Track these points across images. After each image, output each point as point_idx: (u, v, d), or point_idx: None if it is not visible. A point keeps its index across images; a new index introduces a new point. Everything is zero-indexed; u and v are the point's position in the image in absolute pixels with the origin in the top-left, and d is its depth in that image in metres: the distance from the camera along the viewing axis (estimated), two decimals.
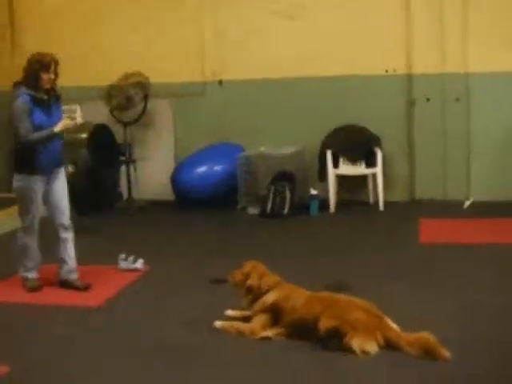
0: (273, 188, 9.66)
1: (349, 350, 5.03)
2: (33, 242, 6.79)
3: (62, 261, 6.82)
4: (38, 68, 6.39)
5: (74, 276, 6.84)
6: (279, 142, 10.12)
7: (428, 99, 10.06)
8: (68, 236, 6.79)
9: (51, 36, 10.91)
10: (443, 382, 4.68)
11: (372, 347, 5.04)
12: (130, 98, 10.19)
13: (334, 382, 4.80)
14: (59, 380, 4.97)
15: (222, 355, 5.26)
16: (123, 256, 7.32)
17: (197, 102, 10.67)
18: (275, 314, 5.48)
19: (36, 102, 6.43)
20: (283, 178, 9.76)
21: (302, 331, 5.32)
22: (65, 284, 6.84)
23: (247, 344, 5.39)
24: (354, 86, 10.17)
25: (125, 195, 10.38)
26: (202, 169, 10.09)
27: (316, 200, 9.73)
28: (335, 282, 5.89)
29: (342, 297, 5.41)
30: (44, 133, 6.40)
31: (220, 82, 10.63)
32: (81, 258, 6.92)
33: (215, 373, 4.98)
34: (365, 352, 5.01)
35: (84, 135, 9.85)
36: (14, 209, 9.51)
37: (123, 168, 10.54)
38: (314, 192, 9.77)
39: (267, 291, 5.58)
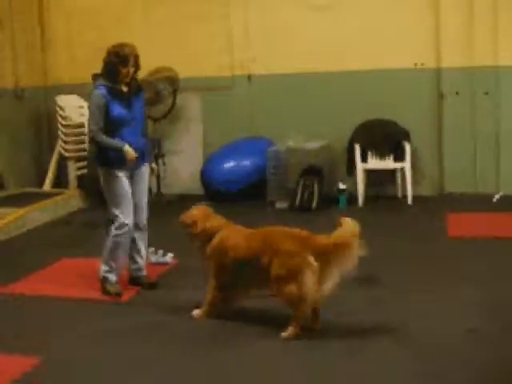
0: (301, 182, 9.67)
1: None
2: (126, 241, 6.46)
3: (132, 259, 6.64)
4: (116, 62, 6.16)
5: (143, 273, 6.69)
6: (308, 136, 10.13)
7: (457, 93, 10.03)
8: (142, 235, 6.60)
9: (81, 32, 11.04)
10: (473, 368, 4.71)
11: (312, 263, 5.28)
12: (159, 92, 10.25)
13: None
14: (87, 376, 5.02)
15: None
16: (152, 249, 7.36)
17: (225, 96, 10.71)
18: (219, 255, 5.65)
19: (114, 94, 6.22)
20: (312, 172, 9.77)
21: (247, 276, 5.54)
22: (134, 281, 6.68)
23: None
24: (383, 80, 10.17)
25: (154, 190, 10.45)
26: (230, 163, 10.15)
27: (344, 194, 9.74)
28: (365, 274, 5.89)
29: (277, 230, 5.67)
30: (113, 143, 6.21)
31: (249, 77, 10.66)
32: None
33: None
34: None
35: None
36: (44, 203, 9.72)
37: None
38: (342, 186, 9.77)
39: (213, 234, 5.74)
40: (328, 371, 4.85)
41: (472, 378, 4.68)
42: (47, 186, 10.81)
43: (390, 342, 5.23)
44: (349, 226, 5.31)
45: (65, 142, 10.62)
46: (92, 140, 6.34)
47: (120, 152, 6.20)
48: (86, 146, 10.40)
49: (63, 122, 10.57)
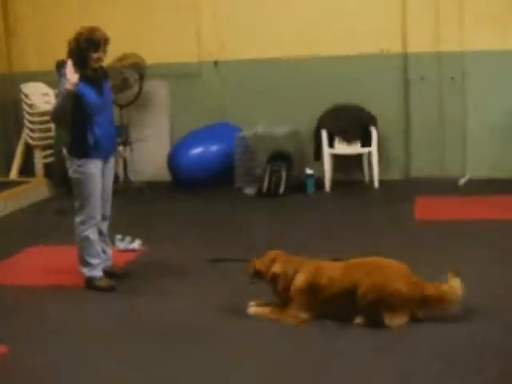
0: (269, 168, 9.70)
1: (380, 324, 5.14)
2: (95, 235, 6.28)
3: (102, 251, 6.42)
4: (87, 46, 5.94)
5: (110, 263, 6.54)
6: (275, 122, 10.14)
7: (422, 78, 10.07)
8: (106, 225, 6.43)
9: (46, 20, 10.94)
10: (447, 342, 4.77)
11: (403, 321, 5.14)
12: (126, 79, 10.19)
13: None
14: (58, 362, 5.01)
15: (230, 335, 5.33)
16: (120, 237, 7.33)
17: (193, 82, 10.68)
18: (309, 294, 5.35)
19: (85, 80, 5.99)
20: (279, 157, 9.80)
21: (339, 307, 5.28)
22: (105, 272, 6.41)
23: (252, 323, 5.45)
24: (350, 66, 10.19)
25: (121, 177, 10.40)
26: (198, 149, 10.13)
27: (312, 179, 9.77)
28: (332, 258, 5.92)
29: (381, 262, 5.38)
30: (60, 96, 5.94)
31: (215, 63, 10.65)
32: None
33: (222, 353, 5.03)
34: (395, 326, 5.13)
35: None
36: (11, 192, 9.66)
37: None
38: (309, 171, 9.80)
39: (294, 275, 5.41)
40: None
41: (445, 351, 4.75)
42: (14, 174, 10.74)
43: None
44: (457, 285, 5.21)
45: (31, 130, 10.54)
46: (52, 115, 6.18)
47: (70, 94, 5.89)
48: (52, 133, 10.33)
49: (29, 110, 10.48)
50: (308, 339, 5.18)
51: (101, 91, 6.13)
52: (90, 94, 6.03)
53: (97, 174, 6.15)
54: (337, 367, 4.73)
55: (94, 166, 6.13)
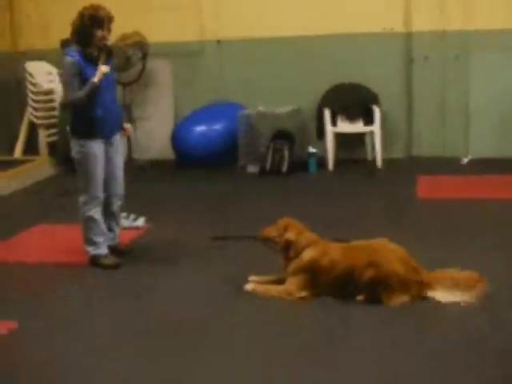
0: (272, 146, 9.72)
1: (380, 302, 5.21)
2: (99, 214, 6.28)
3: (110, 228, 6.47)
4: (91, 24, 5.90)
5: (117, 241, 6.57)
6: (278, 101, 10.16)
7: (426, 58, 10.08)
8: (118, 205, 6.45)
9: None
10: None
11: (401, 300, 5.20)
12: (129, 58, 10.20)
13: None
14: (66, 337, 5.07)
15: (231, 312, 5.38)
16: (124, 214, 7.33)
17: (196, 61, 10.69)
18: (312, 272, 5.39)
19: (88, 59, 5.98)
20: (282, 136, 9.81)
21: (341, 288, 5.34)
22: (110, 249, 6.44)
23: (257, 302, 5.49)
24: (352, 44, 10.19)
25: (125, 155, 10.42)
26: (201, 128, 10.15)
27: (314, 157, 9.80)
28: (335, 237, 5.96)
29: (380, 245, 5.44)
30: (86, 87, 5.91)
31: (218, 41, 10.65)
32: None
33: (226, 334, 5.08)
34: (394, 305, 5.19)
35: None
36: (15, 170, 9.70)
37: None
38: (312, 150, 9.83)
39: (304, 248, 5.45)
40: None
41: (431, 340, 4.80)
42: (18, 153, 10.77)
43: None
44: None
45: (35, 109, 10.56)
46: (71, 106, 6.11)
47: (95, 88, 5.94)
48: (56, 112, 10.36)
49: (33, 89, 10.51)
50: (309, 315, 5.24)
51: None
52: (92, 73, 5.99)
53: (99, 154, 6.14)
54: (338, 342, 4.79)
55: (97, 146, 6.12)
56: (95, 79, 5.95)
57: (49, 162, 10.44)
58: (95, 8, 5.99)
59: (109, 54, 6.14)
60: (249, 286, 5.59)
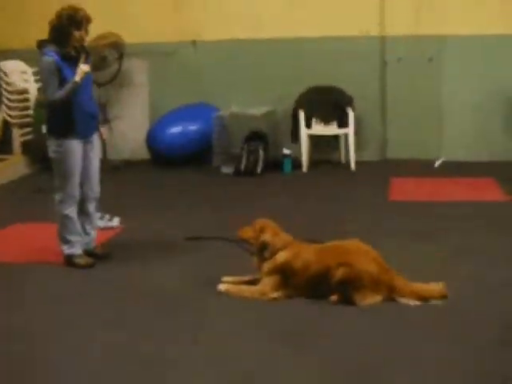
0: (246, 147, 9.77)
1: (352, 303, 5.26)
2: (75, 213, 6.28)
3: (85, 231, 6.43)
4: (69, 24, 5.93)
5: (93, 245, 6.52)
6: (253, 102, 10.22)
7: (400, 59, 10.17)
8: (94, 208, 6.45)
9: None
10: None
11: (374, 300, 5.26)
12: (104, 58, 10.21)
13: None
14: (41, 335, 5.08)
15: (210, 306, 5.43)
16: (99, 215, 7.33)
17: (171, 61, 10.71)
18: (285, 274, 5.44)
19: (65, 58, 6.00)
20: (256, 137, 9.87)
21: (315, 288, 5.39)
22: (87, 253, 6.42)
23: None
24: (328, 47, 10.25)
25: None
26: (176, 128, 10.18)
27: (289, 159, 9.86)
28: (308, 238, 6.01)
29: (353, 246, 5.48)
30: (68, 87, 5.95)
31: (193, 42, 10.68)
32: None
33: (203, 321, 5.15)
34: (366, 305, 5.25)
35: None
36: None
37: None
38: (286, 151, 9.90)
39: (279, 250, 5.48)
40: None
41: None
42: None
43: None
44: (437, 287, 5.35)
45: (9, 108, 10.53)
46: (51, 105, 6.10)
47: (76, 87, 5.98)
48: (30, 111, 10.34)
49: (7, 88, 10.48)
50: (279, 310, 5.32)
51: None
52: (69, 73, 6.02)
53: (76, 153, 6.15)
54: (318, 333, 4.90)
55: (74, 146, 6.13)
56: (77, 78, 5.99)
57: (23, 160, 10.41)
58: (74, 9, 6.02)
59: (87, 53, 6.17)
60: (222, 287, 5.61)
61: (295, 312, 5.29)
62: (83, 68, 6.02)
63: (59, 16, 6.00)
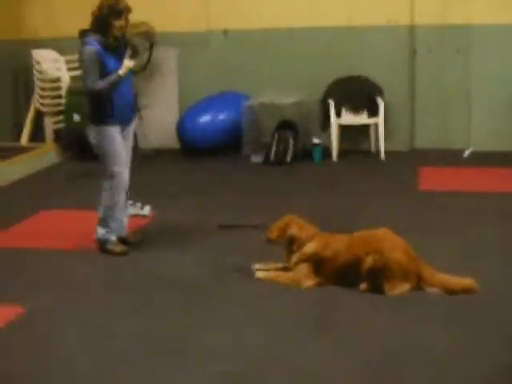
0: (276, 136, 9.81)
1: (381, 291, 5.33)
2: (121, 200, 6.44)
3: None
4: (110, 14, 6.07)
5: (125, 232, 6.61)
6: (283, 91, 10.22)
7: (430, 50, 10.17)
8: (125, 195, 6.51)
9: None
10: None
11: (402, 289, 5.32)
12: (136, 47, 10.25)
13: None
14: (72, 320, 5.19)
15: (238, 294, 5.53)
16: (130, 202, 7.41)
17: (202, 51, 10.73)
18: (315, 264, 5.56)
19: (107, 48, 6.15)
20: (286, 126, 9.90)
21: (345, 277, 5.48)
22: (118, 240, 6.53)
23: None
24: (357, 36, 10.25)
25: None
26: (206, 117, 10.21)
27: (319, 148, 9.89)
28: (337, 228, 6.06)
29: (382, 234, 5.54)
30: (111, 78, 6.12)
31: (225, 32, 10.72)
32: (90, 204, 7.04)
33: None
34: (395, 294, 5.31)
35: None
36: (21, 157, 9.80)
37: None
38: (316, 141, 9.93)
39: (306, 242, 5.62)
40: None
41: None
42: (24, 140, 10.85)
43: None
44: (467, 281, 5.38)
45: (41, 97, 10.65)
46: (90, 93, 6.20)
47: (118, 79, 6.14)
48: (62, 100, 10.44)
49: (40, 77, 10.59)
50: (312, 297, 5.40)
51: (121, 58, 6.23)
52: (111, 62, 6.17)
53: (118, 137, 6.28)
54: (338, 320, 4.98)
55: (113, 132, 6.26)
56: (120, 72, 6.15)
57: (54, 148, 10.52)
58: None
59: (126, 44, 6.32)
60: (259, 274, 5.73)
61: (313, 299, 5.39)
62: (127, 64, 6.19)
63: (101, 6, 6.14)
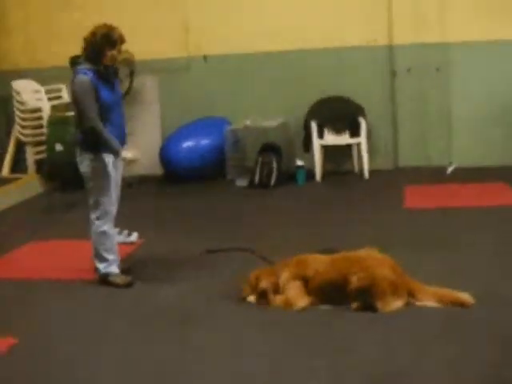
0: (260, 160, 9.82)
1: (374, 310, 5.28)
2: (112, 230, 6.27)
3: None
4: (103, 43, 5.89)
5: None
6: (264, 115, 10.26)
7: (409, 70, 10.23)
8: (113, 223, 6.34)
9: (33, 14, 10.99)
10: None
11: (396, 306, 5.28)
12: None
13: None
14: (64, 351, 5.12)
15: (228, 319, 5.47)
16: (117, 230, 7.38)
17: (182, 77, 10.77)
18: (300, 281, 5.52)
19: (101, 77, 5.95)
20: (269, 149, 9.91)
21: (330, 297, 5.44)
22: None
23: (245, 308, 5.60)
24: (337, 58, 10.32)
25: None
26: (189, 143, 10.21)
27: (302, 170, 9.90)
28: (325, 248, 6.04)
29: (365, 253, 5.53)
30: (110, 139, 5.99)
31: (205, 57, 10.74)
32: (75, 233, 7.00)
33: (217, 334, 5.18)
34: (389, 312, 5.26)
35: (72, 113, 9.90)
36: (3, 188, 9.73)
37: None
38: (300, 163, 9.94)
39: (278, 277, 5.59)
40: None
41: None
42: (5, 171, 10.81)
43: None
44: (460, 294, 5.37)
45: (22, 127, 10.61)
46: (91, 129, 5.97)
47: (114, 150, 6.06)
48: (44, 130, 10.39)
49: (20, 107, 10.56)
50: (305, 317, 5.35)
51: (113, 88, 6.11)
52: (103, 91, 6.01)
53: (110, 167, 6.12)
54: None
55: (107, 160, 6.09)
56: (119, 149, 6.11)
57: (37, 179, 10.45)
58: (109, 27, 6.00)
59: (116, 72, 6.18)
60: (251, 298, 5.67)
61: (309, 316, 5.36)
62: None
63: (94, 34, 5.95)
